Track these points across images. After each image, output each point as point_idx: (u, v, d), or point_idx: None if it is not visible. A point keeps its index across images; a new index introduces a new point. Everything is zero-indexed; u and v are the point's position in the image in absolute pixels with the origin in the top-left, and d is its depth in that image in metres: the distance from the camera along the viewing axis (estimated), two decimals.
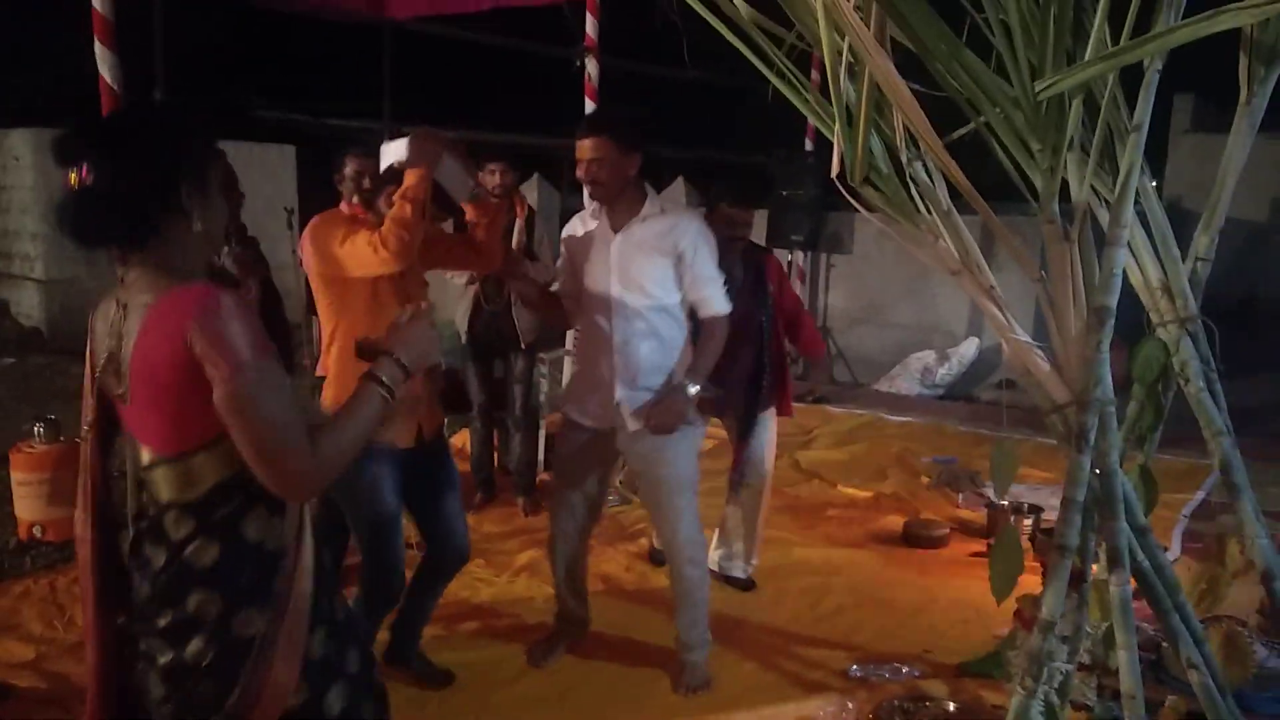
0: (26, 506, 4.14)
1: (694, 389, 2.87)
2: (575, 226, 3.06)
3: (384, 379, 1.60)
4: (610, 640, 3.39)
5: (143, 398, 1.50)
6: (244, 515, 1.55)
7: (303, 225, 4.18)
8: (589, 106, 6.05)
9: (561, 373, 6.04)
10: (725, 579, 3.86)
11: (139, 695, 1.65)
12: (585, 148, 2.81)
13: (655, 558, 4.04)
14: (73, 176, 1.48)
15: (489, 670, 3.16)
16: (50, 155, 1.55)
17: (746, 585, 3.88)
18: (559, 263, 3.15)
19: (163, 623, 1.55)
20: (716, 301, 2.95)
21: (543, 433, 5.31)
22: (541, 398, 5.35)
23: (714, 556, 3.82)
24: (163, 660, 1.56)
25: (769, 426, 3.81)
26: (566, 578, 3.21)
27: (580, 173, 2.85)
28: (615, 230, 2.91)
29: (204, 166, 1.55)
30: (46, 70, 10.21)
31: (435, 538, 2.86)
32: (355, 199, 2.88)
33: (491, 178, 4.48)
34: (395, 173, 2.67)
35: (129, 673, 1.66)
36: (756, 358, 3.71)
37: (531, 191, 9.08)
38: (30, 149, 8.35)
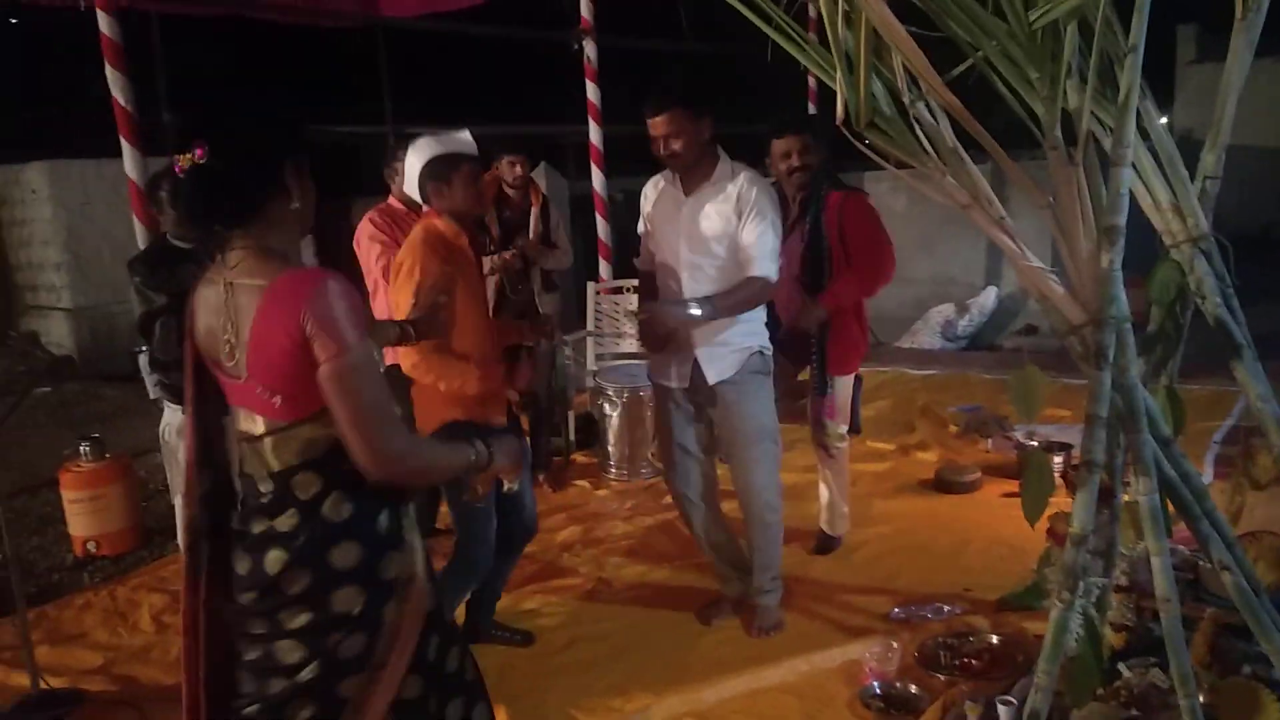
0: (80, 523, 4.25)
1: (694, 310, 2.93)
2: (648, 193, 3.20)
3: (477, 458, 1.78)
4: (661, 598, 3.48)
5: (260, 372, 1.60)
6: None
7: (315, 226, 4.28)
8: (590, 89, 6.11)
9: (585, 355, 6.12)
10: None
11: (233, 682, 1.72)
12: (658, 125, 2.92)
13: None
14: (186, 159, 1.58)
15: (544, 637, 3.25)
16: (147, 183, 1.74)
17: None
18: (641, 231, 3.26)
19: (299, 587, 1.63)
20: (759, 264, 2.96)
21: (572, 414, 5.40)
22: (567, 379, 5.41)
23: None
24: (299, 623, 1.64)
25: (840, 383, 3.65)
26: (708, 541, 3.31)
27: (657, 150, 2.97)
28: (687, 194, 3.05)
29: (303, 150, 1.68)
30: (57, 102, 10.35)
31: (507, 513, 2.95)
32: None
33: (512, 169, 4.57)
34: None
35: (225, 659, 1.73)
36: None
37: (540, 178, 9.12)
38: (46, 181, 8.46)
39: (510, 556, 3.12)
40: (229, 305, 1.62)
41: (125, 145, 4.07)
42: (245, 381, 1.63)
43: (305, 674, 1.65)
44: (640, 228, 3.26)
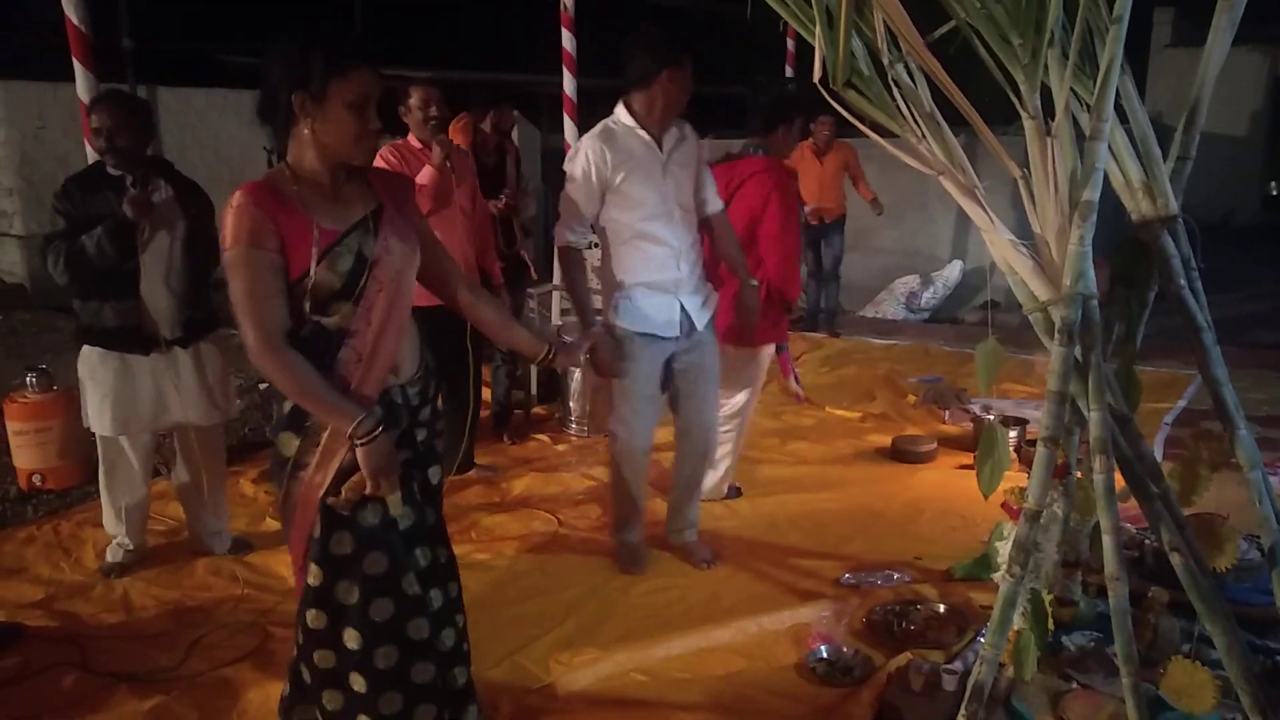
0: (25, 456, 4.16)
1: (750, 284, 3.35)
2: (605, 157, 3.02)
3: (356, 434, 1.88)
4: (615, 554, 3.47)
5: None
6: None
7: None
8: (566, 38, 5.98)
9: (551, 308, 6.06)
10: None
11: None
12: (690, 72, 3.04)
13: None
14: None
15: (497, 590, 3.24)
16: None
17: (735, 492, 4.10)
18: (588, 187, 3.06)
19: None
20: (717, 198, 3.31)
21: (534, 366, 5.35)
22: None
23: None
24: None
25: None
26: (643, 490, 3.36)
27: (684, 102, 3.07)
28: (661, 148, 3.09)
29: (320, 79, 1.82)
30: (11, 23, 9.97)
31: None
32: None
33: (510, 118, 4.66)
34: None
35: None
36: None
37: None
38: (1, 103, 8.18)
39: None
40: None
41: (79, 68, 3.92)
42: None
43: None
44: (582, 195, 3.06)
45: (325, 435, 1.94)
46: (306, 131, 1.87)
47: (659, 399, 3.30)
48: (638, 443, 3.29)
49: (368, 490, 1.92)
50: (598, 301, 3.31)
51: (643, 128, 3.07)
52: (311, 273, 1.88)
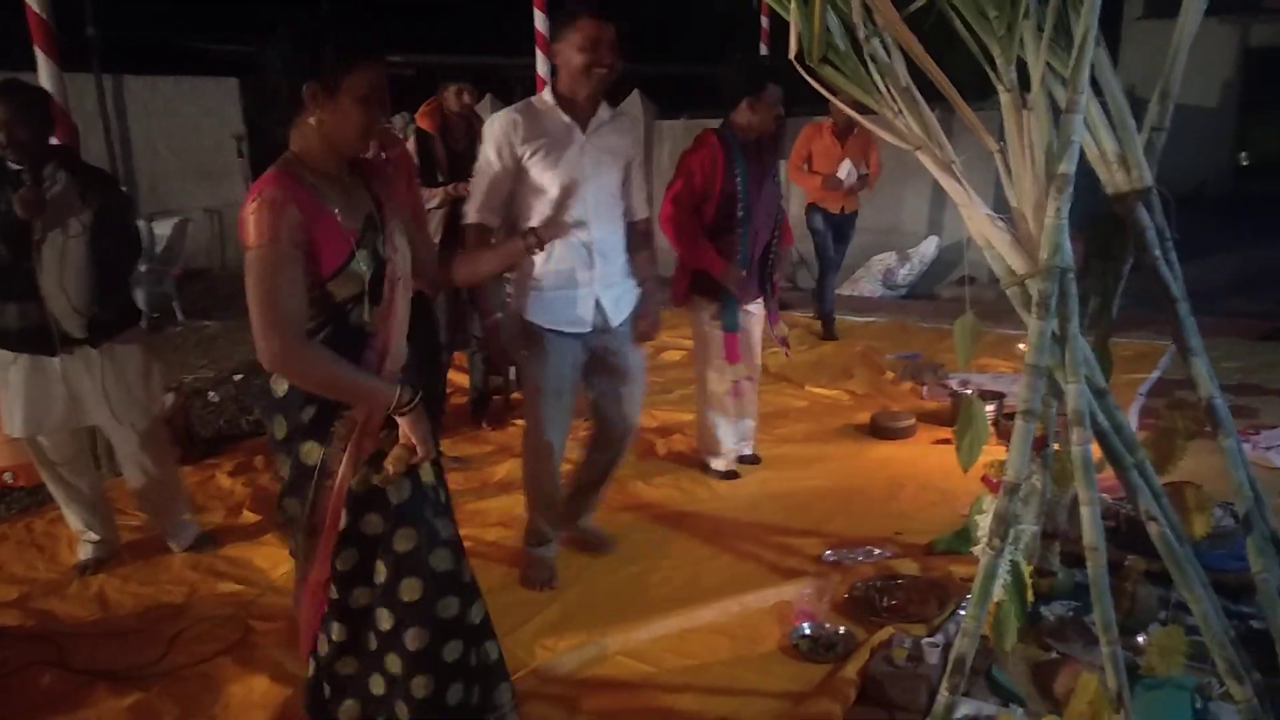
0: None
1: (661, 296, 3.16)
2: (518, 130, 2.82)
3: (400, 405, 1.91)
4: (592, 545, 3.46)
5: None
6: None
7: (253, 155, 4.12)
8: (539, 19, 5.92)
9: None
10: (740, 459, 4.19)
11: None
12: (608, 29, 2.77)
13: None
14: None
15: (479, 575, 3.21)
16: None
17: (755, 460, 4.23)
18: (499, 164, 2.85)
19: (269, 437, 2.02)
20: (644, 205, 3.15)
21: None
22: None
23: (727, 446, 4.10)
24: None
25: (760, 309, 4.05)
26: (554, 493, 3.24)
27: (604, 56, 2.78)
28: (584, 130, 2.88)
29: (331, 72, 1.79)
30: None
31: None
32: None
33: (459, 98, 4.47)
34: None
35: None
36: (768, 244, 3.94)
37: (485, 111, 8.90)
38: None
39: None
40: None
41: (41, 57, 3.84)
42: None
43: (280, 513, 2.03)
44: (495, 172, 2.85)
45: (354, 434, 1.91)
46: (314, 123, 1.83)
47: (570, 397, 3.11)
48: (550, 442, 3.10)
49: (416, 458, 1.95)
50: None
51: (565, 108, 2.86)
52: (342, 271, 1.85)
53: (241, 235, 1.80)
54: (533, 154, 2.82)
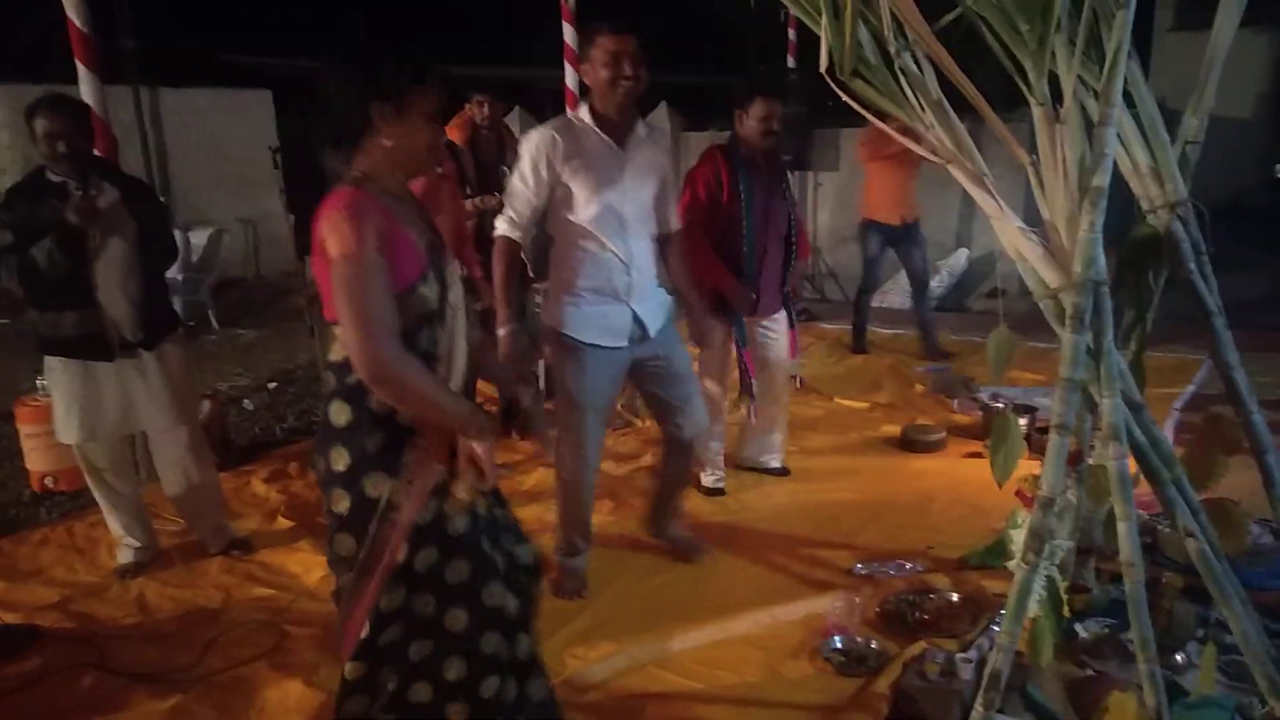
0: (37, 459, 4.18)
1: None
2: (556, 147, 2.85)
3: (470, 430, 1.84)
4: (626, 547, 3.49)
5: (316, 271, 1.84)
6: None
7: (287, 167, 4.18)
8: (567, 32, 5.96)
9: None
10: (764, 471, 4.20)
11: None
12: (627, 41, 2.79)
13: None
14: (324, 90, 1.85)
15: None
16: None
17: (784, 472, 4.20)
18: (536, 179, 2.89)
19: (320, 470, 1.89)
20: (678, 218, 3.21)
21: (541, 362, 5.34)
22: (536, 327, 5.35)
23: (746, 455, 4.19)
24: (326, 503, 1.90)
25: (784, 323, 4.04)
26: (589, 507, 3.25)
27: (624, 69, 2.80)
28: (620, 147, 2.91)
29: (399, 92, 1.80)
30: (16, 26, 9.98)
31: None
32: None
33: (481, 109, 4.49)
34: None
35: None
36: (785, 257, 3.92)
37: (514, 123, 8.98)
38: (5, 107, 8.17)
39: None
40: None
41: (82, 70, 3.92)
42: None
43: (330, 550, 1.92)
44: (529, 187, 2.88)
45: (422, 464, 1.85)
46: (388, 143, 1.81)
47: (607, 410, 3.15)
48: (588, 457, 3.10)
49: (487, 485, 1.91)
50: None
51: (601, 126, 2.89)
52: (415, 290, 1.81)
53: (325, 249, 1.75)
54: (572, 172, 2.86)
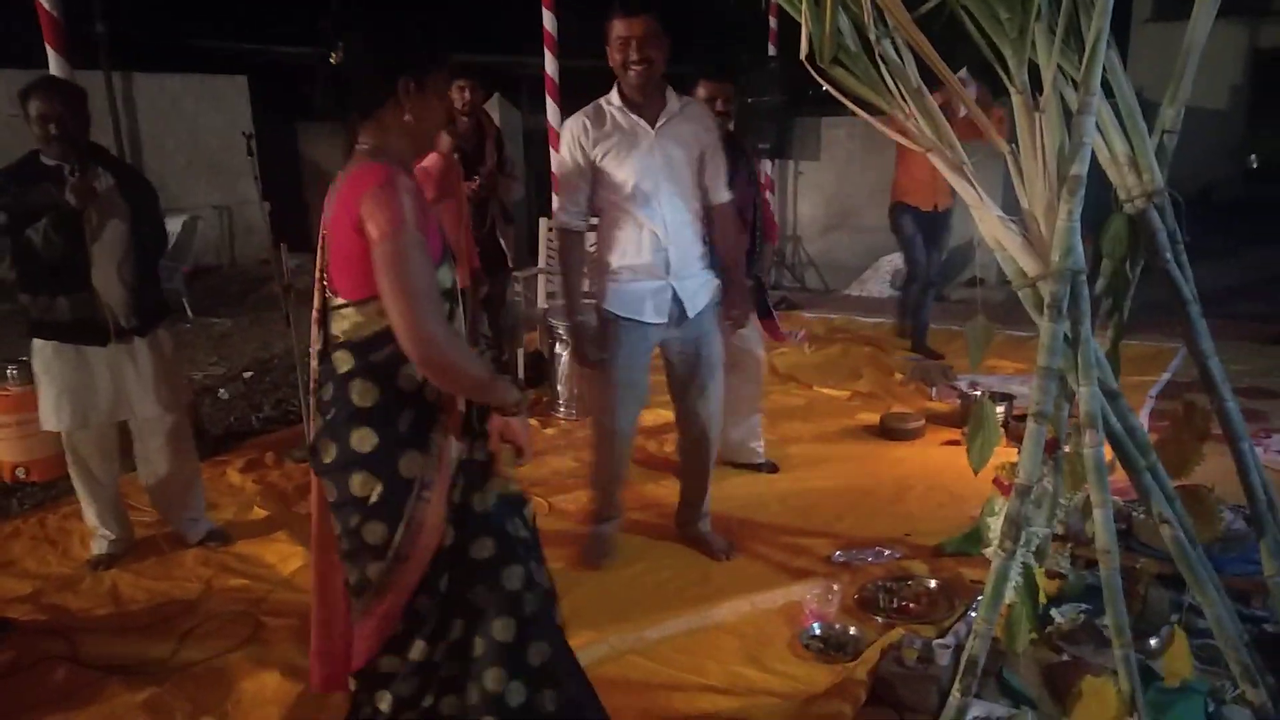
0: (8, 449, 4.13)
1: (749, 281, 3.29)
2: (588, 132, 2.94)
3: (508, 406, 1.82)
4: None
5: (330, 252, 1.78)
6: (401, 363, 1.74)
7: (261, 154, 4.12)
8: (547, 19, 5.93)
9: (536, 292, 6.04)
10: (752, 468, 4.13)
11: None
12: (636, 25, 2.80)
13: None
14: (334, 56, 1.78)
15: None
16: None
17: (773, 469, 4.14)
18: (574, 166, 2.98)
19: (329, 458, 1.78)
20: (726, 189, 3.15)
21: (522, 351, 5.34)
22: (516, 317, 5.35)
23: (729, 447, 4.08)
24: (332, 497, 1.80)
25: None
26: (621, 476, 3.31)
27: (632, 54, 2.83)
28: (652, 125, 2.95)
29: (423, 69, 1.78)
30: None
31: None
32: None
33: (461, 94, 4.48)
34: None
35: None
36: (750, 244, 3.87)
37: (493, 110, 8.92)
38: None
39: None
40: (330, 193, 1.78)
41: (52, 54, 3.86)
42: (325, 261, 1.80)
43: (342, 545, 1.82)
44: (571, 174, 3.00)
45: (446, 445, 1.81)
46: (408, 118, 1.78)
47: (642, 386, 3.20)
48: (619, 429, 3.20)
49: (523, 461, 1.90)
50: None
51: (630, 108, 2.96)
52: (440, 269, 1.77)
53: (364, 227, 1.68)
54: (605, 154, 2.94)
